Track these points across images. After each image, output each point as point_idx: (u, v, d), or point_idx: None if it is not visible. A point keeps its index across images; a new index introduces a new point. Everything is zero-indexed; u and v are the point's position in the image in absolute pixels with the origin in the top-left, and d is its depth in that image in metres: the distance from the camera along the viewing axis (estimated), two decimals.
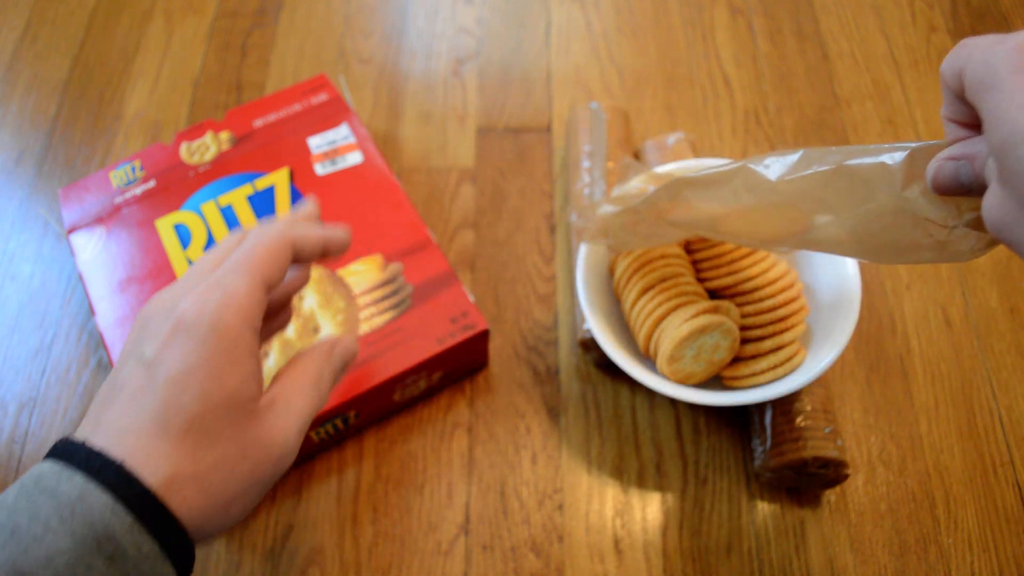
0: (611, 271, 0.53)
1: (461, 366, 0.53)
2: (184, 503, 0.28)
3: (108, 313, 0.52)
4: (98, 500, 0.26)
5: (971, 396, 0.54)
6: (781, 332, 0.48)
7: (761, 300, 0.49)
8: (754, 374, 0.48)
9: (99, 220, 0.56)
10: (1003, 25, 0.70)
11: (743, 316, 0.49)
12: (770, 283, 0.49)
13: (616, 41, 0.71)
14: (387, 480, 0.51)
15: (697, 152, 0.60)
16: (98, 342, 0.56)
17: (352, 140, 0.59)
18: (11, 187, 0.64)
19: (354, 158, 0.58)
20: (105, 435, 0.29)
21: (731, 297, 0.50)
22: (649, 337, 0.49)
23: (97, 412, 0.30)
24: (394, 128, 0.66)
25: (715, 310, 0.47)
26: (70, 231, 0.56)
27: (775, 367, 0.47)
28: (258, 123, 0.60)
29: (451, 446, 0.52)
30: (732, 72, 0.69)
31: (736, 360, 0.49)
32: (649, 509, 0.50)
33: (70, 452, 0.28)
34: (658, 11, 0.73)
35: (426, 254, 0.54)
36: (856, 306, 0.47)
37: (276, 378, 0.34)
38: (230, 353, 0.30)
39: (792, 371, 0.47)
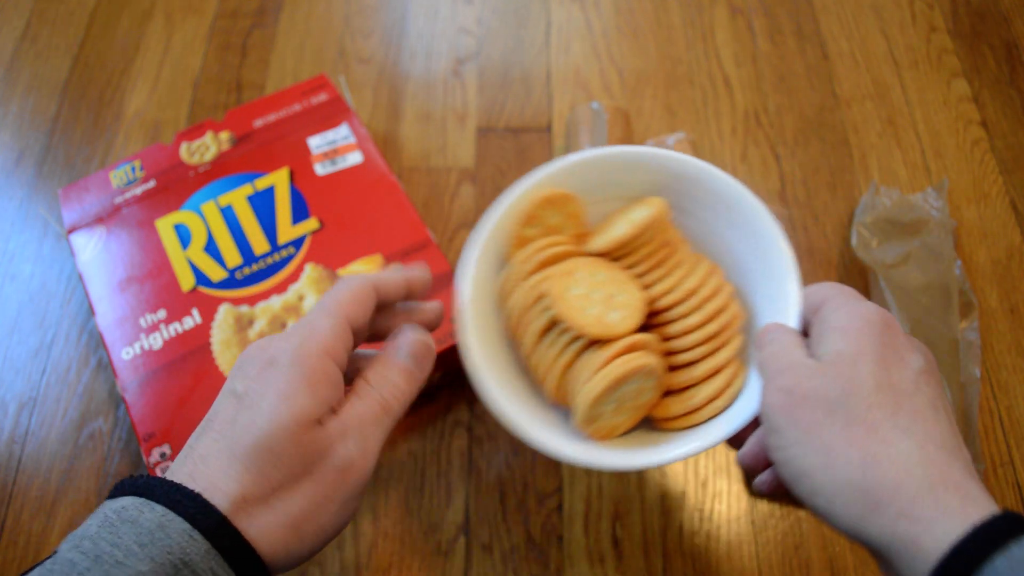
0: (500, 303, 0.43)
1: (461, 366, 0.53)
2: (254, 525, 0.29)
3: (108, 313, 0.52)
4: (177, 528, 0.28)
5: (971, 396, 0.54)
6: (715, 351, 0.40)
7: (684, 316, 0.41)
8: (690, 412, 0.40)
9: (99, 220, 0.56)
10: (1003, 25, 0.70)
11: (665, 339, 0.41)
12: (691, 293, 0.41)
13: (616, 41, 0.71)
14: (387, 480, 0.51)
15: (697, 152, 0.60)
16: (98, 342, 0.56)
17: (352, 140, 0.59)
18: (11, 187, 0.64)
19: (354, 158, 0.58)
20: (191, 466, 0.30)
21: (648, 317, 0.42)
22: (558, 389, 0.40)
23: (190, 445, 0.32)
24: (394, 128, 0.66)
25: (631, 349, 0.38)
26: (70, 231, 0.56)
27: (714, 399, 0.39)
28: (258, 123, 0.60)
29: (451, 446, 0.52)
30: (732, 72, 0.69)
31: (668, 393, 0.41)
32: (649, 509, 0.50)
33: (152, 487, 0.29)
34: (658, 11, 0.73)
35: (426, 254, 0.54)
36: (795, 291, 0.38)
37: (349, 397, 0.34)
38: (307, 378, 0.32)
39: (735, 398, 0.39)
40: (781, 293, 0.39)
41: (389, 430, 0.34)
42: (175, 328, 0.51)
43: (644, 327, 0.41)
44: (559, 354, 0.40)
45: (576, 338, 0.39)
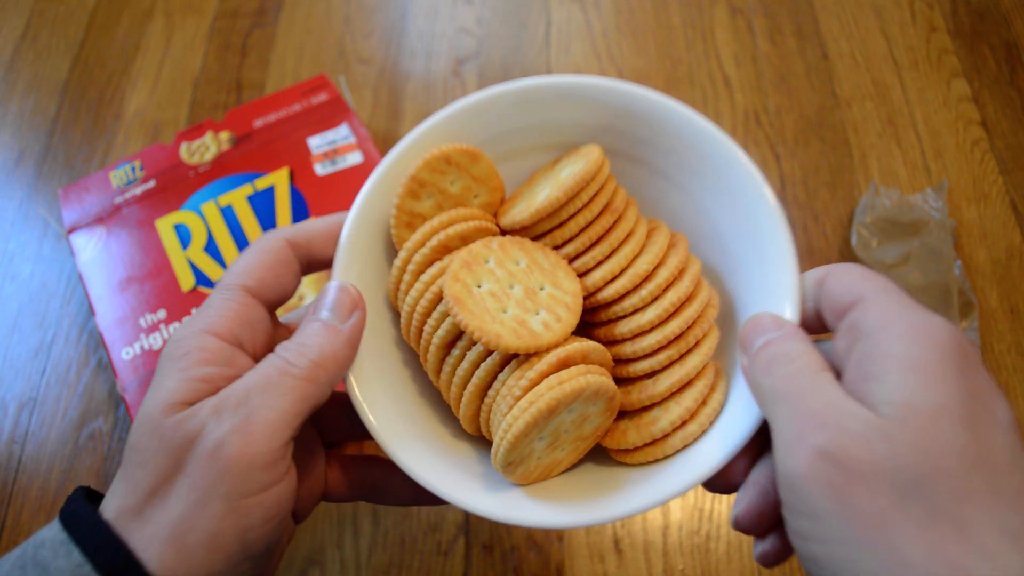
0: (393, 302, 0.33)
1: None
2: (133, 543, 0.24)
3: (108, 313, 0.52)
4: None
5: None
6: (682, 357, 0.31)
7: (637, 311, 0.31)
8: (654, 442, 0.30)
9: (99, 220, 0.56)
10: (1003, 25, 0.70)
11: (611, 342, 0.31)
12: (645, 278, 0.31)
13: (616, 41, 0.71)
14: None
15: None
16: (98, 342, 0.56)
17: (352, 140, 0.59)
18: (11, 187, 0.64)
19: (354, 158, 0.58)
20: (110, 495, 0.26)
21: (588, 312, 0.32)
22: (475, 418, 0.31)
23: None
24: (394, 128, 0.66)
25: (564, 364, 0.29)
26: (70, 231, 0.56)
27: (684, 423, 0.30)
28: (258, 123, 0.60)
29: None
30: (732, 72, 0.69)
31: (622, 415, 0.32)
32: None
33: (81, 520, 0.25)
34: (658, 11, 0.73)
35: None
36: (790, 269, 0.30)
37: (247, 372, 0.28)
38: (178, 360, 0.27)
39: (713, 422, 0.30)
40: (771, 272, 0.30)
41: (304, 398, 0.27)
42: (175, 328, 0.51)
43: (582, 327, 0.32)
44: (469, 374, 0.30)
45: (489, 354, 0.29)
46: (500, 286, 0.30)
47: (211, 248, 0.54)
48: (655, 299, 0.30)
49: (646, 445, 0.30)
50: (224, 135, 0.59)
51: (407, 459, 0.29)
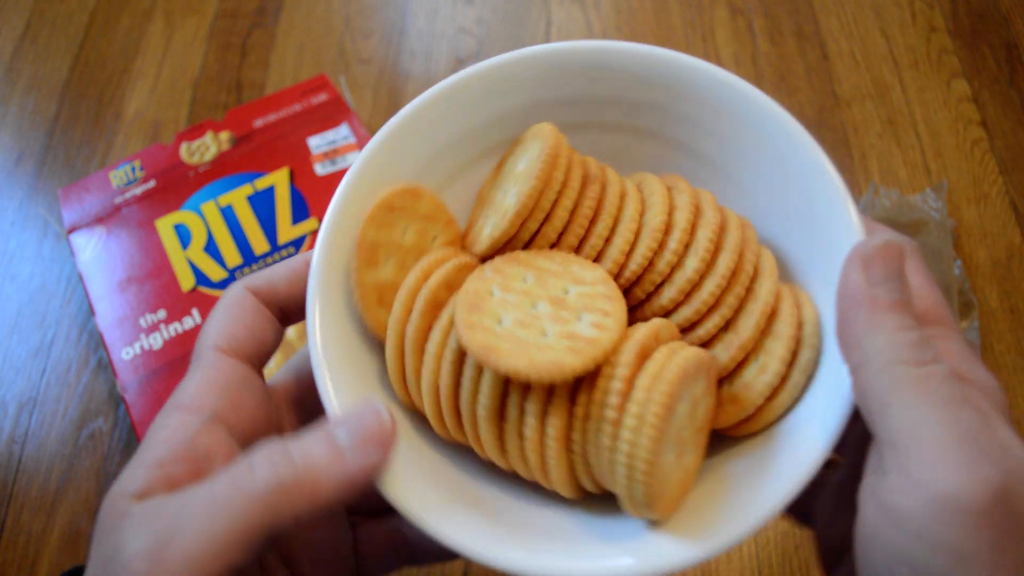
0: (405, 400, 0.28)
1: None
2: None
3: (108, 313, 0.52)
4: None
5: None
6: (751, 290, 0.26)
7: (677, 268, 0.27)
8: (772, 391, 0.25)
9: (99, 220, 0.56)
10: (1003, 25, 0.70)
11: (664, 312, 0.27)
12: (665, 230, 0.27)
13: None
14: None
15: None
16: (98, 342, 0.56)
17: (352, 140, 0.59)
18: (11, 187, 0.64)
19: (354, 158, 0.58)
20: None
21: (627, 292, 0.27)
22: (572, 477, 0.25)
23: None
24: None
25: (644, 355, 0.24)
26: (70, 231, 0.56)
27: (794, 353, 0.25)
28: (258, 123, 0.60)
29: None
30: (732, 72, 0.69)
31: (720, 385, 0.27)
32: None
33: None
34: (658, 11, 0.73)
35: None
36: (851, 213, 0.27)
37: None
38: (142, 445, 0.23)
39: (823, 337, 0.25)
40: (837, 258, 0.24)
41: (250, 528, 0.21)
42: (175, 328, 0.51)
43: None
44: (540, 431, 0.24)
45: (551, 393, 0.24)
46: (522, 312, 0.25)
47: (211, 248, 0.54)
48: (687, 246, 0.26)
49: (770, 400, 0.26)
50: (224, 135, 0.60)
51: (517, 560, 0.23)
